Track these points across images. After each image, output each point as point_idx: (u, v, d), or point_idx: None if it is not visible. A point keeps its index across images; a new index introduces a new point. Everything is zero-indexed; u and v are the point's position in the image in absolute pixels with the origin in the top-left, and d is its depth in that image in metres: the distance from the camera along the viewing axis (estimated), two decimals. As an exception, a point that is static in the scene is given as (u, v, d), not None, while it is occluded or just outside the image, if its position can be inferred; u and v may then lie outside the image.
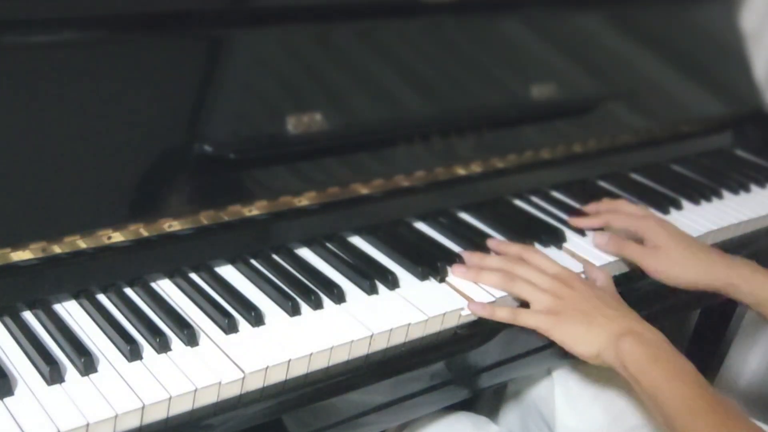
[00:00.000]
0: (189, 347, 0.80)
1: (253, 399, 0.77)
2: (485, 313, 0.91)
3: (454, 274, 0.96)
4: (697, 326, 1.49)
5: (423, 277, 0.96)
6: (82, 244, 0.83)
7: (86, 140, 0.84)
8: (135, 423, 0.71)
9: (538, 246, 1.06)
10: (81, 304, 0.84)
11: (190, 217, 0.90)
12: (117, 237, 0.85)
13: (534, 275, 0.94)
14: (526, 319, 0.91)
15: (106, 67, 0.86)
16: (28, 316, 0.81)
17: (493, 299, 0.93)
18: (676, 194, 1.26)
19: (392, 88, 1.07)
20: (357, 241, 1.02)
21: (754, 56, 1.51)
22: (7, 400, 0.70)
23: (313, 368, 0.82)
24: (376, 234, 1.03)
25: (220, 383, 0.75)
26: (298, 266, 0.94)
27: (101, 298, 0.85)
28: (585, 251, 1.07)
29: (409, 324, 0.88)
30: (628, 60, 1.35)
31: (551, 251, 1.06)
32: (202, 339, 0.81)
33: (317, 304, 0.88)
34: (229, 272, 0.92)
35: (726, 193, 1.30)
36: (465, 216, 1.12)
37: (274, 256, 0.96)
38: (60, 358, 0.75)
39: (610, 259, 1.06)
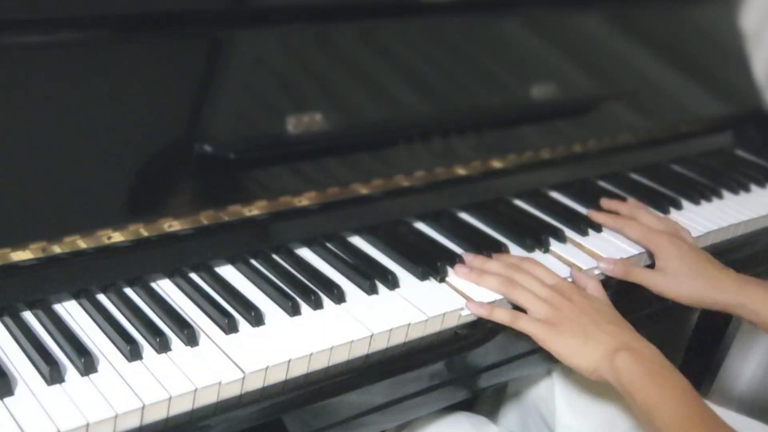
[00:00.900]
0: (189, 347, 0.80)
1: (253, 399, 0.77)
2: (484, 313, 0.91)
3: (456, 275, 0.96)
4: (697, 326, 1.49)
5: (423, 277, 0.96)
6: (82, 244, 0.83)
7: (86, 140, 0.84)
8: (135, 423, 0.72)
9: (538, 246, 1.06)
10: (81, 304, 0.84)
11: (190, 217, 0.90)
12: (117, 237, 0.85)
13: (533, 284, 0.94)
14: (524, 324, 0.91)
15: (106, 67, 0.86)
16: (28, 316, 0.81)
17: (492, 300, 0.93)
18: (676, 194, 1.26)
19: (392, 88, 1.07)
20: (357, 241, 1.02)
21: (754, 56, 1.51)
22: (7, 400, 0.70)
23: (313, 368, 0.82)
24: (376, 234, 1.03)
25: (220, 383, 0.75)
26: (298, 266, 0.94)
27: (101, 298, 0.85)
28: (585, 251, 1.07)
29: (409, 324, 0.88)
30: (628, 60, 1.35)
31: (551, 251, 1.06)
32: (202, 339, 0.81)
33: (317, 304, 0.88)
34: (229, 272, 0.92)
35: (726, 193, 1.30)
36: (465, 216, 1.12)
37: (274, 256, 0.96)
38: (60, 358, 0.75)
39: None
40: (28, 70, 0.81)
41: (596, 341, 0.87)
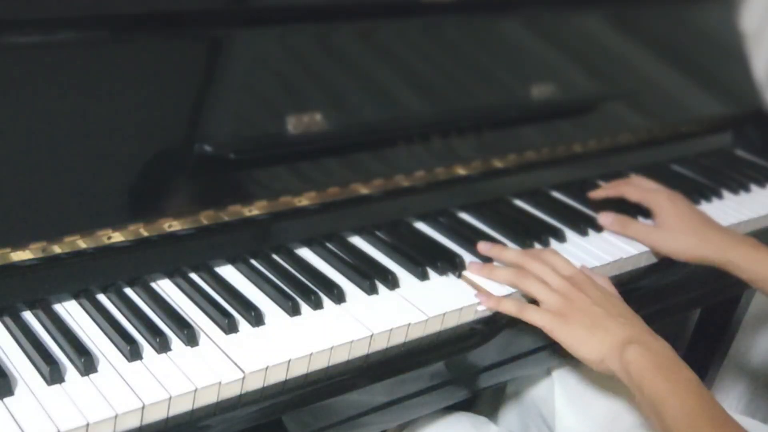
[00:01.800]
0: (189, 347, 0.80)
1: (253, 399, 0.77)
2: (492, 305, 0.92)
3: (469, 270, 0.97)
4: (697, 326, 1.49)
5: (423, 277, 0.96)
6: (82, 244, 0.83)
7: (86, 140, 0.84)
8: (135, 423, 0.72)
9: (537, 246, 1.06)
10: (81, 304, 0.84)
11: (190, 217, 0.90)
12: (117, 237, 0.85)
13: (547, 273, 0.94)
14: (532, 315, 0.91)
15: (106, 67, 0.86)
16: (28, 316, 0.81)
17: (507, 294, 0.94)
18: (676, 194, 1.26)
19: (392, 88, 1.07)
20: (357, 241, 1.02)
21: (754, 56, 1.51)
22: (7, 400, 0.70)
23: (313, 368, 0.82)
24: (376, 234, 1.03)
25: (220, 383, 0.75)
26: (298, 266, 0.94)
27: (101, 298, 0.85)
28: (585, 251, 1.07)
29: (410, 324, 0.88)
30: (628, 60, 1.35)
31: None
32: (202, 339, 0.81)
33: (317, 304, 0.88)
34: (229, 272, 0.92)
35: (726, 193, 1.30)
36: (465, 216, 1.12)
37: (274, 256, 0.96)
38: (60, 358, 0.75)
39: (609, 259, 1.06)
40: (28, 70, 0.81)
41: (605, 332, 0.88)
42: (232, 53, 0.94)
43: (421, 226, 1.08)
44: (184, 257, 0.91)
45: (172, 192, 0.89)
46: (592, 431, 1.02)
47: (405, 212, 1.08)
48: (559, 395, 1.04)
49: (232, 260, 0.94)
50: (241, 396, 0.77)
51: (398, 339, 0.88)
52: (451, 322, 0.91)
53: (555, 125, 1.23)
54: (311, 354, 0.81)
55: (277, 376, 0.79)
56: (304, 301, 0.88)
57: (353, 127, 1.03)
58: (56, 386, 0.72)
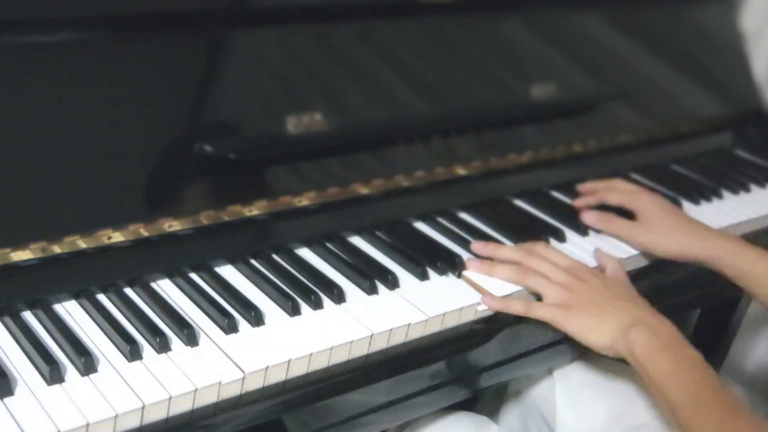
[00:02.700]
0: (189, 347, 0.80)
1: (253, 399, 0.77)
2: (499, 307, 0.92)
3: (468, 268, 0.97)
4: (697, 327, 1.49)
5: (423, 277, 0.96)
6: (82, 244, 0.83)
7: (86, 140, 0.84)
8: (135, 423, 0.71)
9: (538, 246, 1.06)
10: (81, 304, 0.83)
11: (190, 217, 0.90)
12: (117, 237, 0.85)
13: (546, 268, 0.95)
14: (539, 311, 0.92)
15: (106, 67, 0.86)
16: (28, 316, 0.81)
17: (508, 293, 0.94)
18: (676, 194, 1.26)
19: (392, 88, 1.07)
20: (357, 241, 1.02)
21: (754, 56, 1.51)
22: (7, 400, 0.70)
23: (313, 368, 0.82)
24: (376, 234, 1.03)
25: (220, 383, 0.75)
26: (298, 266, 0.94)
27: (101, 298, 0.85)
28: (585, 251, 1.07)
29: (410, 324, 0.88)
30: (628, 60, 1.35)
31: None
32: (202, 339, 0.81)
33: (317, 304, 0.88)
34: (229, 272, 0.92)
35: (726, 193, 1.30)
36: (465, 216, 1.11)
37: (274, 256, 0.96)
38: (60, 358, 0.75)
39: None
40: (28, 70, 0.81)
41: (611, 318, 0.88)
42: (232, 53, 0.94)
43: (421, 226, 1.08)
44: (184, 257, 0.91)
45: (172, 192, 0.89)
46: (592, 431, 1.02)
47: (405, 212, 1.08)
48: (560, 395, 1.04)
49: (232, 260, 0.94)
50: (241, 396, 0.77)
51: (398, 339, 0.88)
52: (452, 322, 0.91)
53: (555, 125, 1.23)
54: (311, 354, 0.81)
55: (277, 376, 0.79)
56: (304, 301, 0.88)
57: (353, 127, 1.03)
58: (56, 386, 0.72)
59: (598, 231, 1.12)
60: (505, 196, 1.17)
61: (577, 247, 1.08)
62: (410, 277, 0.96)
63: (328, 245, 0.99)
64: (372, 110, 1.05)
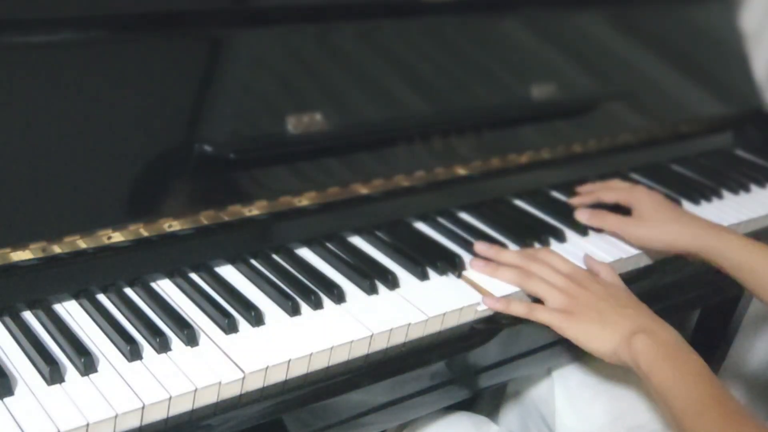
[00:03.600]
0: (189, 347, 0.80)
1: (253, 399, 0.77)
2: (500, 307, 0.92)
3: (472, 268, 0.98)
4: (697, 326, 1.49)
5: (423, 277, 0.96)
6: (82, 244, 0.83)
7: (86, 140, 0.84)
8: (135, 423, 0.72)
9: (537, 246, 1.06)
10: (81, 304, 0.84)
11: (190, 217, 0.90)
12: (117, 237, 0.85)
13: (549, 273, 0.95)
14: (541, 314, 0.92)
15: (106, 67, 0.86)
16: (28, 316, 0.81)
17: (508, 294, 0.94)
18: (676, 194, 1.26)
19: (392, 88, 1.07)
20: (357, 241, 1.02)
21: (754, 56, 1.51)
22: (7, 400, 0.70)
23: (313, 368, 0.82)
24: (376, 234, 1.03)
25: (220, 383, 0.75)
26: (298, 266, 0.94)
27: (101, 298, 0.85)
28: (585, 251, 1.07)
29: (410, 324, 0.88)
30: (628, 60, 1.35)
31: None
32: (202, 339, 0.81)
33: (317, 304, 0.88)
34: (229, 272, 0.92)
35: (726, 193, 1.30)
36: (465, 216, 1.12)
37: (274, 256, 0.96)
38: (60, 358, 0.75)
39: (609, 259, 1.06)
40: (28, 70, 0.81)
41: (614, 325, 0.88)
42: (232, 53, 0.94)
43: (421, 226, 1.08)
44: (184, 257, 0.91)
45: (172, 192, 0.89)
46: (592, 431, 1.02)
47: (405, 212, 1.08)
48: (559, 395, 1.04)
49: (232, 260, 0.94)
50: (241, 396, 0.77)
51: (398, 339, 0.88)
52: (451, 322, 0.91)
53: (555, 125, 1.23)
54: (311, 354, 0.81)
55: (277, 376, 0.79)
56: (304, 301, 0.88)
57: (353, 127, 1.03)
58: (56, 386, 0.72)
59: (598, 231, 1.12)
60: (505, 196, 1.17)
61: (577, 248, 1.08)
62: (410, 277, 0.96)
63: (328, 245, 0.99)
64: (372, 110, 1.05)
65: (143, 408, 0.71)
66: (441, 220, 1.09)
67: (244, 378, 0.77)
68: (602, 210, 1.10)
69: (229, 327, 0.82)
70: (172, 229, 0.89)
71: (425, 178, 1.08)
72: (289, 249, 0.97)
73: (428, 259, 0.98)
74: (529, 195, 1.19)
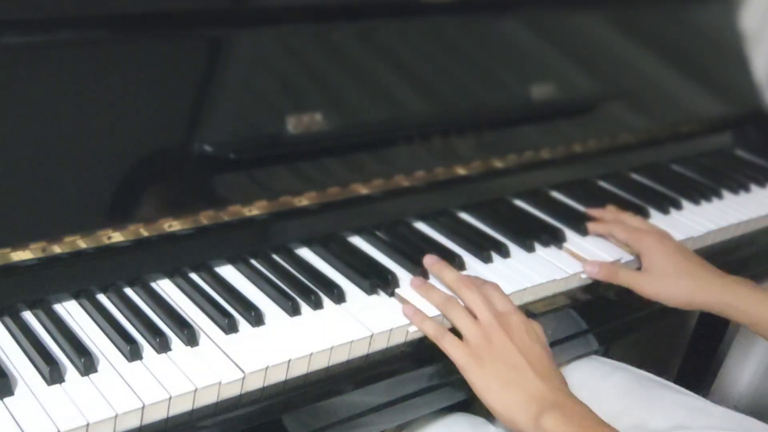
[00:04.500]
0: (189, 347, 0.80)
1: (253, 399, 0.77)
2: (415, 321, 0.88)
3: (411, 285, 0.93)
4: (697, 326, 1.49)
5: (422, 277, 0.96)
6: (82, 244, 0.83)
7: (86, 140, 0.84)
8: (135, 423, 0.72)
9: (537, 246, 1.06)
10: (81, 304, 0.84)
11: (190, 217, 0.90)
12: (117, 237, 0.85)
13: (478, 305, 0.88)
14: (449, 346, 0.86)
15: (106, 67, 0.86)
16: (28, 316, 0.81)
17: (435, 315, 0.91)
18: (676, 194, 1.26)
19: (392, 88, 1.07)
20: (357, 241, 1.02)
21: (754, 56, 1.51)
22: (7, 400, 0.70)
23: (313, 368, 0.82)
24: (376, 234, 1.03)
25: (220, 383, 0.75)
26: (298, 266, 0.94)
27: (101, 298, 0.85)
28: (585, 251, 1.07)
29: (409, 324, 0.88)
30: (628, 60, 1.35)
31: (551, 251, 1.06)
32: (202, 339, 0.81)
33: (317, 304, 0.88)
34: (229, 272, 0.92)
35: (726, 193, 1.31)
36: (465, 216, 1.12)
37: (274, 256, 0.96)
38: (60, 358, 0.75)
39: (610, 259, 1.06)
40: (28, 70, 0.81)
41: (520, 389, 0.82)
42: (232, 53, 0.94)
43: (421, 226, 1.08)
44: (184, 257, 0.91)
45: (172, 192, 0.89)
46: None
47: (405, 212, 1.08)
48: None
49: (232, 260, 0.94)
50: (241, 396, 0.77)
51: (398, 339, 0.88)
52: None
53: (555, 125, 1.23)
54: (311, 354, 0.81)
55: (277, 376, 0.79)
56: (304, 301, 0.88)
57: (353, 127, 1.03)
58: (56, 386, 0.72)
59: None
60: (505, 196, 1.17)
61: (577, 248, 1.08)
62: (410, 277, 0.96)
63: (328, 245, 0.99)
64: (372, 110, 1.05)
65: (143, 408, 0.71)
66: (441, 220, 1.09)
67: (244, 378, 0.77)
68: (614, 264, 1.05)
69: (229, 327, 0.82)
70: (172, 229, 0.89)
71: (425, 178, 1.08)
72: (289, 249, 0.97)
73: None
74: (529, 195, 1.19)
